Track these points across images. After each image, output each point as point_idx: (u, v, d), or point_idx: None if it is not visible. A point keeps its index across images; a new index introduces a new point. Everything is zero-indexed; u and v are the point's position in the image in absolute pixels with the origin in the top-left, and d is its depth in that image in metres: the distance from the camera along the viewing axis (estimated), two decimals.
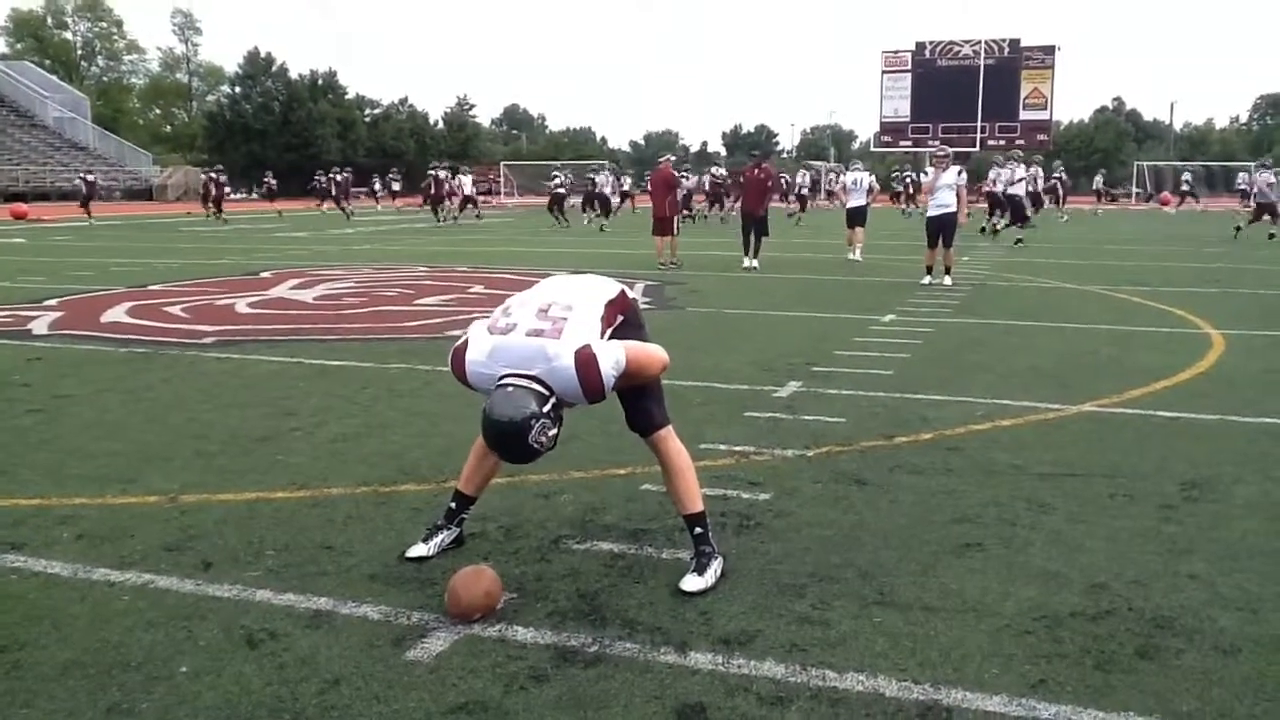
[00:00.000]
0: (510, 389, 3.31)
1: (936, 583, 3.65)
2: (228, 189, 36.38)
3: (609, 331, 3.56)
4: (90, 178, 34.49)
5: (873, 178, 20.62)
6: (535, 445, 3.28)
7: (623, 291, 3.75)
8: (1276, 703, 2.82)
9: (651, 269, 16.02)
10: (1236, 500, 4.58)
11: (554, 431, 3.35)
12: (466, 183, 35.19)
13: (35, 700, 2.83)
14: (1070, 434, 5.76)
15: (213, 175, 34.35)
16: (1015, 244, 21.22)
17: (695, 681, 2.94)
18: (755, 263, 16.07)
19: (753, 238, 16.21)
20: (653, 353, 3.59)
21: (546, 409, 3.30)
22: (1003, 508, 4.45)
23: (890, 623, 3.32)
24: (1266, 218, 23.48)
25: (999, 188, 24.07)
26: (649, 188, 19.62)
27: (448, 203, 33.75)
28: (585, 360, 3.36)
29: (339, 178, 37.27)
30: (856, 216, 18.42)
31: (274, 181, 42.70)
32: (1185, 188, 43.07)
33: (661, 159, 19.05)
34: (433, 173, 34.19)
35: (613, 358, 3.41)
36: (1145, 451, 5.36)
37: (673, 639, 3.20)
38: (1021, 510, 4.42)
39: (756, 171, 16.93)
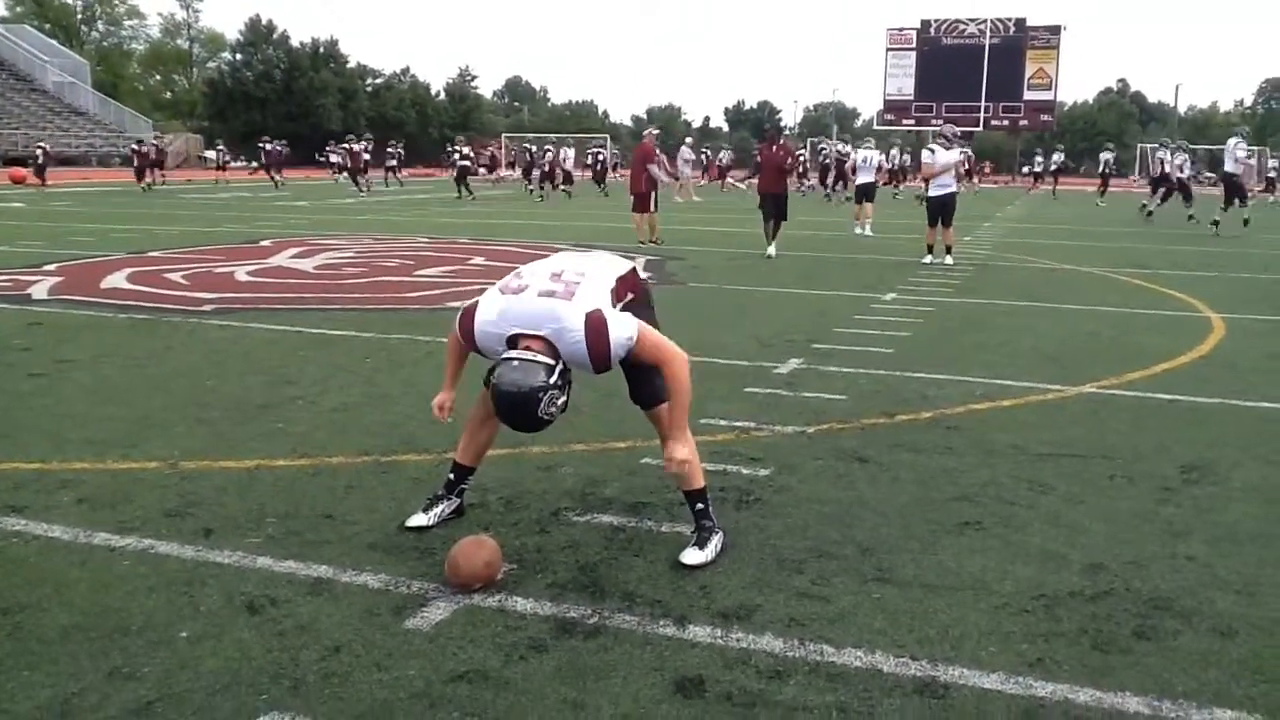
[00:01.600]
0: (516, 361, 3.31)
1: (935, 560, 3.66)
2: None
3: (619, 306, 3.56)
4: (46, 147, 34.55)
5: (882, 156, 20.98)
6: (545, 416, 3.30)
7: (634, 269, 3.78)
8: (1273, 684, 2.83)
9: (652, 243, 15.97)
10: (1235, 483, 4.59)
11: (563, 400, 3.36)
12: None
13: (38, 663, 2.84)
14: (1070, 415, 5.76)
15: (136, 146, 34.78)
16: (1244, 223, 20.42)
17: (694, 654, 2.95)
18: (772, 249, 14.45)
19: (772, 223, 14.66)
20: (673, 349, 3.52)
21: (554, 379, 3.30)
22: (1002, 487, 4.46)
23: (889, 599, 3.33)
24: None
25: (1167, 169, 24.27)
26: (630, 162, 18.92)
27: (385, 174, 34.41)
28: (596, 324, 3.37)
29: (268, 147, 37.76)
30: (865, 193, 18.95)
31: (225, 150, 43.05)
32: (1272, 174, 39.48)
33: (645, 133, 17.98)
34: (346, 145, 34.75)
35: (625, 330, 3.41)
36: (1144, 433, 5.37)
37: (672, 612, 3.21)
38: (1021, 490, 4.43)
39: (774, 149, 15.22)
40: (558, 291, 3.46)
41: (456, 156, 32.18)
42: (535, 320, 3.39)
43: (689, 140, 35.53)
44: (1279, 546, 3.84)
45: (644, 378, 3.69)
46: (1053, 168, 39.97)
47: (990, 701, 2.72)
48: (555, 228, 19.61)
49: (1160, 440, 5.24)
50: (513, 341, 3.40)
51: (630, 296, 3.67)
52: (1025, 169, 41.20)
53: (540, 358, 3.32)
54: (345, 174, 33.80)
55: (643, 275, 3.83)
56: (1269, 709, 2.70)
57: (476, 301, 3.54)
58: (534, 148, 35.53)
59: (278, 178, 36.83)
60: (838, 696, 2.73)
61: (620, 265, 3.74)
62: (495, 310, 3.47)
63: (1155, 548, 3.81)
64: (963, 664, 2.92)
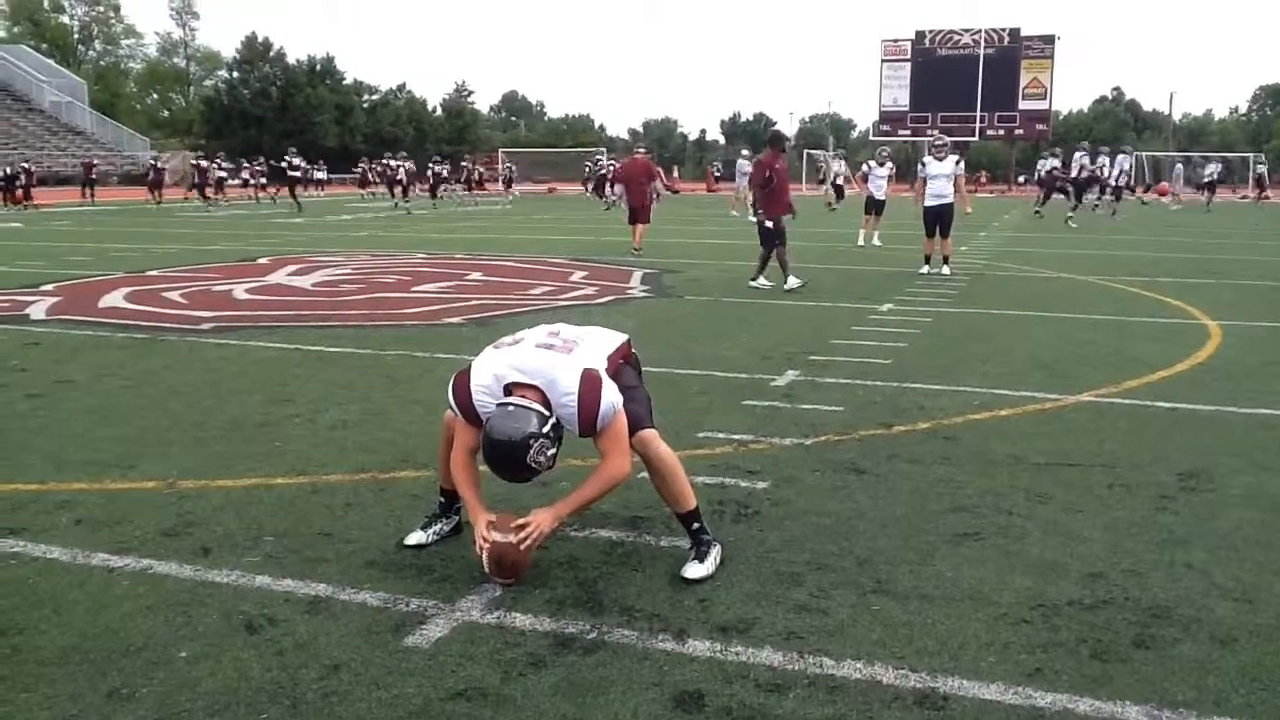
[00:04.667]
0: (511, 408, 3.37)
1: (934, 571, 3.66)
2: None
3: (610, 374, 3.61)
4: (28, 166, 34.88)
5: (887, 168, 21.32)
6: (534, 465, 3.35)
7: (628, 340, 3.86)
8: (1272, 692, 2.83)
9: (642, 254, 15.98)
10: (1233, 490, 4.59)
11: (553, 451, 3.41)
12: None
13: (36, 685, 2.84)
14: (1067, 424, 5.77)
15: (7, 169, 35.04)
16: None
17: (693, 669, 2.95)
18: (764, 281, 12.27)
19: (763, 247, 12.45)
20: (626, 450, 3.55)
21: (546, 429, 3.35)
22: (1000, 497, 4.47)
23: (888, 611, 3.33)
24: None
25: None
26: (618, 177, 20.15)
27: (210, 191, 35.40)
28: (590, 381, 3.44)
29: (203, 164, 38.26)
30: (875, 205, 19.60)
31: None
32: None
33: (636, 150, 19.30)
34: (195, 163, 35.88)
35: (614, 398, 3.48)
36: (1142, 442, 5.37)
37: (671, 626, 3.21)
38: (1019, 500, 4.43)
39: (778, 163, 12.54)
40: (555, 346, 3.56)
41: (286, 167, 32.84)
42: (531, 371, 3.45)
43: (745, 152, 35.87)
44: (1277, 553, 3.84)
45: (625, 408, 3.64)
46: (1206, 179, 37.75)
47: (990, 712, 2.72)
48: (552, 241, 19.64)
49: (1158, 448, 5.25)
50: (508, 390, 3.45)
51: (622, 362, 3.76)
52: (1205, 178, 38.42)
53: (534, 405, 3.37)
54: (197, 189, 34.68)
55: (634, 351, 3.92)
56: (1268, 716, 2.71)
57: (469, 364, 3.58)
58: (392, 162, 36.20)
59: (213, 196, 36.89)
60: (837, 709, 2.73)
61: (615, 336, 3.83)
62: (489, 370, 3.51)
63: (1154, 556, 3.81)
64: (962, 675, 2.91)
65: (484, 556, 3.46)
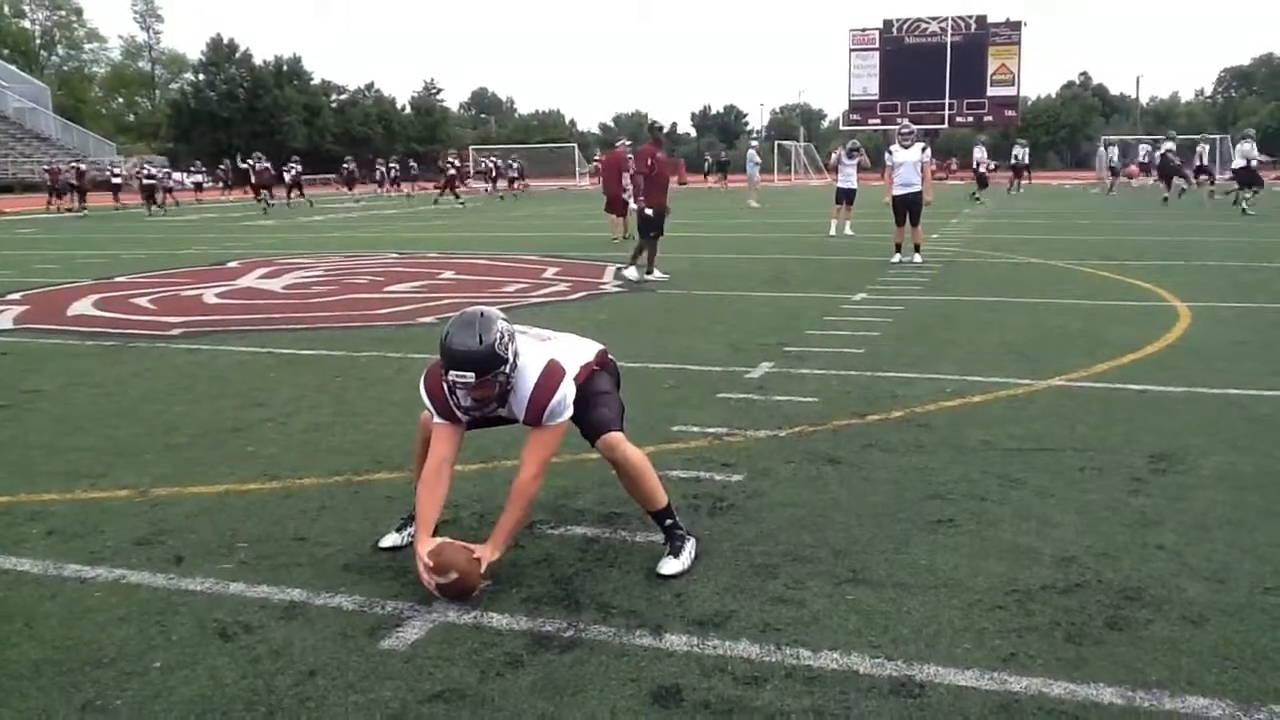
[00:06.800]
0: (473, 318, 3.41)
1: (909, 559, 3.67)
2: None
3: (579, 381, 3.63)
4: None
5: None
6: (500, 352, 3.37)
7: (603, 350, 3.88)
8: (1243, 670, 2.86)
9: (610, 249, 15.96)
10: (1204, 471, 4.63)
11: (511, 364, 3.43)
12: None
13: (8, 699, 2.81)
14: (1039, 409, 5.80)
15: None
16: None
17: (671, 663, 2.95)
18: (633, 272, 12.55)
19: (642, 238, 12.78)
20: (543, 467, 3.54)
21: (509, 345, 3.40)
22: (973, 483, 4.49)
23: (863, 600, 3.34)
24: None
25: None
26: (600, 170, 20.83)
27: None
28: (552, 369, 3.49)
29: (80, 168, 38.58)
30: (846, 194, 19.52)
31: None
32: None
33: (617, 143, 20.19)
34: (75, 165, 36.54)
35: (568, 398, 3.51)
36: (1113, 425, 5.41)
37: (648, 622, 3.21)
38: (992, 485, 4.46)
39: (659, 153, 13.04)
40: (529, 333, 3.64)
41: (144, 175, 34.32)
42: None
43: (755, 144, 36.07)
44: (1247, 532, 3.88)
45: (595, 411, 3.66)
46: None
47: (966, 698, 2.74)
48: (525, 238, 19.60)
49: (1129, 431, 5.29)
50: None
51: (596, 369, 3.77)
52: None
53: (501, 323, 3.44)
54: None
55: (610, 356, 3.92)
56: (1239, 694, 2.73)
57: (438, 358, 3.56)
58: (255, 163, 36.35)
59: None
60: (814, 700, 2.74)
61: (590, 347, 3.84)
62: None
63: (1126, 538, 3.84)
64: (938, 662, 2.93)
65: (429, 581, 3.36)
